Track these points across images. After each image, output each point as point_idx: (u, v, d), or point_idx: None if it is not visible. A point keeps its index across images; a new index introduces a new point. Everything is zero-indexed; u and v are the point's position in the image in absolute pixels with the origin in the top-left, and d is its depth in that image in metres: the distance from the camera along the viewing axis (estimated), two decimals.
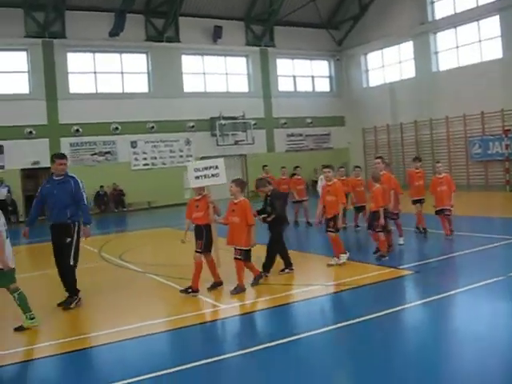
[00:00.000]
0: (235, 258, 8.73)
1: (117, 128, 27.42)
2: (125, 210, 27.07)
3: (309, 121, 32.71)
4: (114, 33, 26.91)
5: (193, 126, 29.14)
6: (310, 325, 7.03)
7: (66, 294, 8.71)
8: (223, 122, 29.11)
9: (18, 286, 7.52)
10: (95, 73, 27.64)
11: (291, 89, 32.83)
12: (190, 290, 8.77)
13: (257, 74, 31.42)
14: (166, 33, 28.74)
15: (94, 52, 27.58)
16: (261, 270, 9.47)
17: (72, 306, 8.53)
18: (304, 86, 33.39)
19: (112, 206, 27.09)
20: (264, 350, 6.18)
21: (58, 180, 8.65)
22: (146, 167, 28.12)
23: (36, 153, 25.65)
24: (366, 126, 32.43)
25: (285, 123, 31.93)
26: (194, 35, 29.44)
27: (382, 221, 10.37)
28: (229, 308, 8.18)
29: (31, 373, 6.35)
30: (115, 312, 8.41)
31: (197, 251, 8.79)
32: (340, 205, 10.09)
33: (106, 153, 27.36)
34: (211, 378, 5.70)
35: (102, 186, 26.70)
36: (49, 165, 25.50)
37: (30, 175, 26.23)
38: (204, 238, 8.73)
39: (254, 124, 30.16)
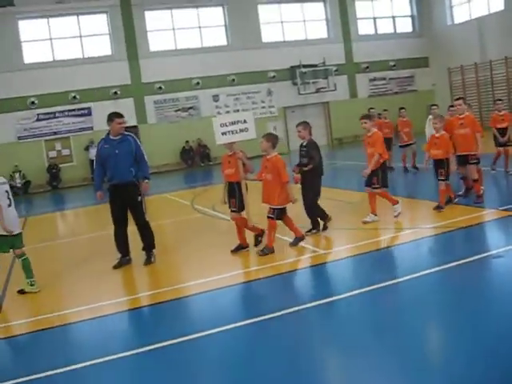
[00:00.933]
0: (268, 217, 8.26)
1: (198, 83, 27.51)
2: (210, 163, 27.22)
3: (391, 63, 31.52)
4: None
5: (273, 76, 28.80)
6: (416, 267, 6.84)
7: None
8: (303, 70, 28.55)
9: (23, 252, 7.71)
10: (174, 29, 27.67)
11: (371, 31, 31.67)
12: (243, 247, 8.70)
13: (335, 19, 30.45)
14: None
15: (170, 9, 27.56)
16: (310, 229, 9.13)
17: (153, 260, 8.65)
18: (385, 27, 32.10)
19: (198, 160, 27.32)
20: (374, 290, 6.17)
21: (118, 140, 8.50)
22: None
23: (122, 112, 25.91)
24: (452, 65, 30.86)
25: (367, 67, 30.94)
26: None
27: (452, 167, 9.67)
28: (332, 252, 8.31)
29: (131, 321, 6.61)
30: (221, 260, 8.49)
31: (232, 210, 8.53)
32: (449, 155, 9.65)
33: (189, 108, 27.57)
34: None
35: (187, 142, 26.98)
36: (135, 123, 26.27)
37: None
38: (237, 196, 8.39)
39: (335, 70, 29.40)
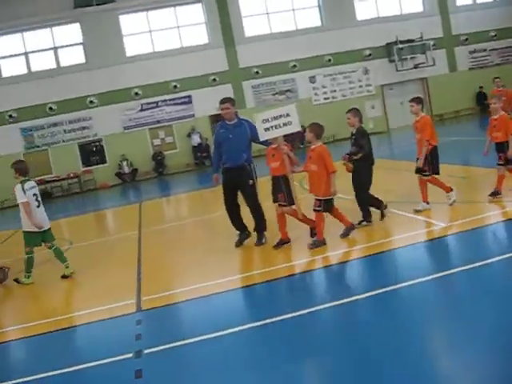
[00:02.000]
0: (314, 210, 8.04)
1: (295, 65, 27.57)
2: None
3: (492, 34, 30.19)
4: None
5: (369, 55, 28.37)
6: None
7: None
8: (400, 46, 27.92)
9: (53, 243, 8.77)
10: (267, 13, 27.82)
11: (469, 1, 30.43)
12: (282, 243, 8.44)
13: None
14: None
15: None
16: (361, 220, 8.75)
17: (264, 241, 8.76)
18: None
19: (297, 142, 27.32)
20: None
21: (233, 124, 8.65)
22: (327, 101, 28.02)
23: (221, 98, 26.55)
24: None
25: (466, 39, 29.82)
26: None
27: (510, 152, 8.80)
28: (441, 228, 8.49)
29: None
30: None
31: (281, 205, 8.21)
32: None
33: (287, 91, 27.69)
34: None
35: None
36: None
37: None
38: (284, 190, 8.10)
39: (433, 45, 28.54)
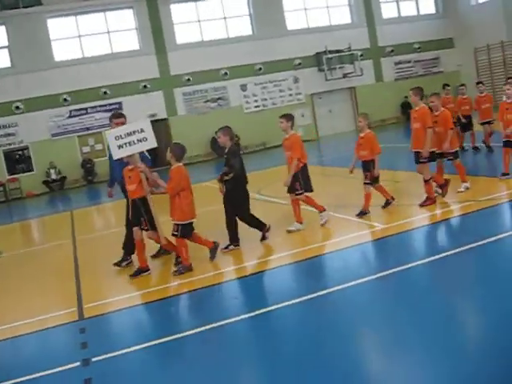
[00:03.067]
0: (172, 235, 7.84)
1: (226, 73, 27.75)
2: (241, 152, 27.39)
3: (416, 46, 31.40)
4: None
5: (299, 64, 28.93)
6: None
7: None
8: (329, 55, 28.61)
9: None
10: (199, 21, 27.90)
11: (395, 14, 31.56)
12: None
13: (358, 3, 30.34)
14: None
15: (195, 1, 27.80)
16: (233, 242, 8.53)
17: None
18: (408, 10, 31.98)
19: None
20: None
21: None
22: (258, 109, 28.35)
23: (152, 106, 26.58)
24: (478, 45, 30.68)
25: (391, 51, 30.90)
26: None
27: None
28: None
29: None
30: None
31: (144, 229, 7.88)
32: None
33: (218, 99, 27.83)
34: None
35: (216, 132, 27.09)
36: (165, 116, 26.55)
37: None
38: (144, 213, 7.73)
39: (361, 55, 29.40)
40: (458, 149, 9.97)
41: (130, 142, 7.55)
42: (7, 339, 6.34)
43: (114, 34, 26.77)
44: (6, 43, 25.38)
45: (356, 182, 10.13)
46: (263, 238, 8.69)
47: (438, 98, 9.64)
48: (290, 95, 28.90)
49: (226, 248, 8.42)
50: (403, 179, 12.34)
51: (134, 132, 7.59)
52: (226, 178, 8.24)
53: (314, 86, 29.10)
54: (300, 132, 27.70)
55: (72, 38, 26.31)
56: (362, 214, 9.16)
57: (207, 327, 5.62)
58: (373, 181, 9.18)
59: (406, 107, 30.08)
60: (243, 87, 28.16)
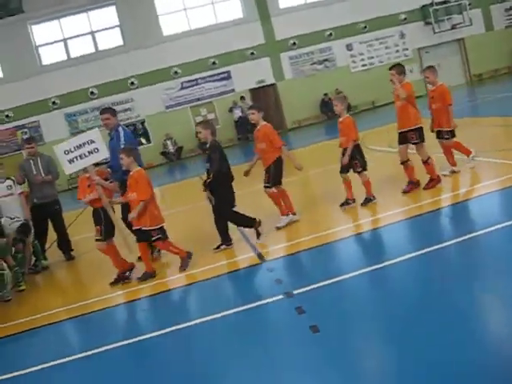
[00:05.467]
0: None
1: (331, 34, 27.50)
2: (351, 112, 27.10)
3: None
4: None
5: (405, 18, 28.15)
6: None
7: None
8: (436, 7, 27.64)
9: None
10: None
11: None
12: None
13: None
14: None
15: None
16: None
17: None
18: None
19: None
20: None
21: (111, 135, 8.32)
22: (365, 67, 27.92)
23: (260, 72, 26.83)
24: None
25: None
26: None
27: None
28: None
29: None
30: None
31: (97, 239, 7.54)
32: None
33: (325, 60, 27.69)
34: None
35: (325, 94, 27.05)
36: (273, 81, 26.77)
37: (257, 93, 27.38)
38: (103, 222, 7.41)
39: (469, 4, 28.20)
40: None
41: (80, 155, 7.26)
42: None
43: (218, 4, 27.09)
44: (118, 22, 26.34)
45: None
46: (258, 235, 7.83)
47: (433, 72, 8.64)
48: (397, 51, 28.25)
49: (218, 248, 7.81)
50: None
51: (83, 144, 7.27)
52: (208, 180, 7.54)
53: (421, 41, 28.28)
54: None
55: (177, 12, 26.89)
56: (366, 202, 8.40)
57: None
58: (364, 167, 8.36)
59: None
60: (349, 47, 27.82)
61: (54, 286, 8.89)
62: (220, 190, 7.57)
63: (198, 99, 26.88)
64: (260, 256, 7.17)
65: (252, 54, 26.83)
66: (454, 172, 8.79)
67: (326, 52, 27.66)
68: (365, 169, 8.37)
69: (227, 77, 26.88)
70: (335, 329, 4.62)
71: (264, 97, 27.05)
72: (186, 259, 7.35)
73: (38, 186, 9.65)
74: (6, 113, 25.84)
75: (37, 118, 26.06)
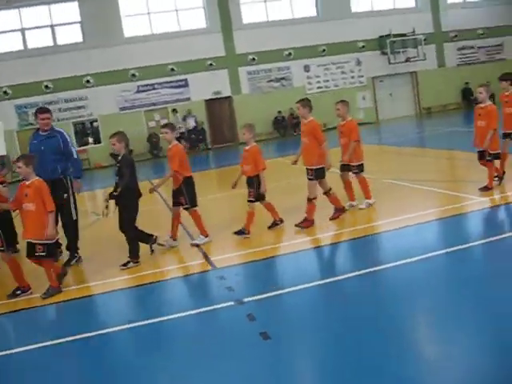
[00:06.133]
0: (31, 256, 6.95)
1: (290, 54, 28.00)
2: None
3: (480, 32, 31.07)
4: None
5: (363, 46, 28.99)
6: None
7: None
8: (393, 39, 28.57)
9: None
10: (265, 1, 28.15)
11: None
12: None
13: None
14: None
15: None
16: (128, 259, 7.71)
17: (72, 263, 8.27)
18: None
19: (290, 129, 27.90)
20: None
21: (45, 135, 8.26)
22: (320, 90, 28.53)
23: (217, 83, 27.09)
24: None
25: (455, 36, 30.62)
26: None
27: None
28: None
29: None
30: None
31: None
32: None
33: (281, 79, 28.18)
34: None
35: (279, 112, 27.55)
36: (229, 94, 27.11)
37: (212, 104, 27.61)
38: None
39: (424, 40, 29.28)
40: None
41: None
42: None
43: (182, 12, 27.23)
44: (79, 19, 26.14)
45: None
46: (152, 251, 8.01)
47: (344, 105, 8.94)
48: (352, 77, 29.05)
49: (125, 265, 7.63)
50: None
51: None
52: (115, 193, 7.50)
53: (376, 69, 29.18)
54: (361, 115, 28.20)
55: (141, 15, 26.90)
56: (274, 225, 8.61)
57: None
58: (258, 198, 8.34)
59: (467, 93, 29.94)
60: (306, 68, 28.41)
61: None
62: (126, 204, 7.60)
63: (153, 104, 26.90)
64: (211, 263, 7.39)
65: (211, 64, 27.07)
66: (370, 205, 9.04)
67: (284, 71, 28.17)
68: (257, 200, 8.33)
69: (184, 84, 27.02)
70: (285, 336, 4.86)
71: (219, 109, 27.35)
72: (55, 289, 6.83)
73: None
74: None
75: None
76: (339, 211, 8.69)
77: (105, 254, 8.58)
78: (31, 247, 6.70)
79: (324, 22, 28.16)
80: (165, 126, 8.42)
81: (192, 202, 8.18)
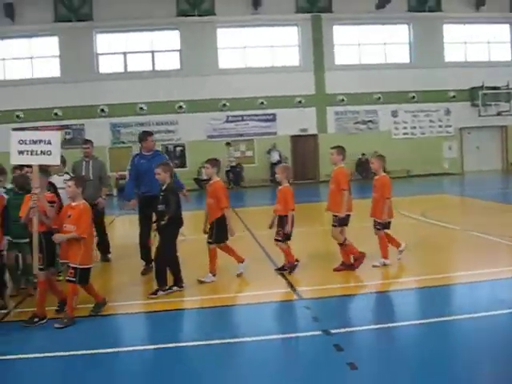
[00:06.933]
0: (67, 280, 6.67)
1: (379, 98, 28.14)
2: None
3: None
4: (380, 5, 27.43)
5: (453, 96, 28.79)
6: None
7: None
8: (485, 91, 28.24)
9: None
10: (359, 45, 28.55)
11: None
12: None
13: None
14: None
15: (358, 25, 28.46)
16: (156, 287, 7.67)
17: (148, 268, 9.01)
18: None
19: (372, 172, 27.79)
20: None
21: (151, 155, 9.22)
22: (406, 136, 28.49)
23: (304, 121, 27.52)
24: None
25: None
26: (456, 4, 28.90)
27: None
28: None
29: None
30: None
31: (40, 269, 6.65)
32: None
33: (368, 121, 28.32)
34: None
35: (363, 154, 27.61)
36: (315, 132, 27.41)
37: (297, 141, 28.01)
38: (45, 249, 6.68)
39: None
40: None
41: (32, 151, 6.69)
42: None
43: (276, 48, 27.99)
44: (179, 47, 27.31)
45: None
46: (169, 287, 7.75)
47: (378, 160, 9.05)
48: (440, 126, 28.88)
49: (170, 289, 7.67)
50: None
51: (40, 141, 6.72)
52: (163, 222, 7.52)
53: (464, 120, 28.85)
54: (447, 164, 27.97)
55: (236, 49, 27.82)
56: (283, 269, 8.61)
57: None
58: (284, 238, 8.48)
59: None
60: (394, 113, 28.46)
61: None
62: (170, 232, 7.65)
63: (241, 135, 27.58)
64: (297, 293, 7.53)
65: (300, 102, 27.56)
66: (384, 264, 8.71)
67: (372, 114, 28.34)
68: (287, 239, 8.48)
69: (272, 119, 27.61)
70: (373, 368, 4.97)
71: (303, 145, 27.75)
72: (70, 318, 6.55)
73: (86, 187, 9.77)
74: (56, 111, 26.70)
75: (83, 122, 26.90)
76: (346, 266, 8.58)
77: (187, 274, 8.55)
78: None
79: (416, 69, 28.21)
80: (207, 161, 8.46)
81: (217, 239, 8.24)
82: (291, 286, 7.88)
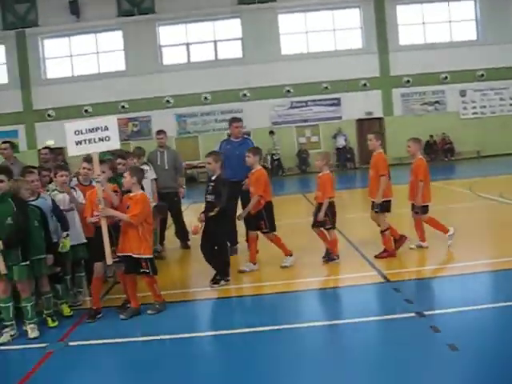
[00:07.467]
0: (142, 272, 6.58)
1: (446, 77, 27.46)
2: (453, 158, 27.09)
3: None
4: None
5: None
6: None
7: None
8: None
9: None
10: (424, 23, 27.90)
11: None
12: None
13: None
14: None
15: (422, 3, 27.83)
16: (218, 277, 7.54)
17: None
18: None
19: (441, 154, 27.30)
20: None
21: (239, 142, 9.24)
22: (475, 116, 27.72)
23: (369, 104, 27.12)
24: None
25: None
26: None
27: None
28: None
29: None
30: None
31: (116, 261, 6.60)
32: None
33: (435, 102, 27.70)
34: None
35: (431, 136, 27.07)
36: (381, 115, 26.94)
37: (363, 124, 27.67)
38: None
39: None
40: None
41: (89, 140, 6.63)
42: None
43: (339, 31, 27.65)
44: (240, 35, 27.33)
45: None
46: (216, 280, 7.55)
47: (414, 143, 8.66)
48: (511, 105, 27.90)
49: (215, 283, 7.52)
50: None
51: (96, 129, 6.66)
52: (212, 213, 7.37)
53: None
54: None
55: (298, 34, 27.64)
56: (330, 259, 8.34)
57: None
58: (318, 224, 8.27)
59: None
60: (462, 92, 27.72)
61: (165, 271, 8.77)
62: (223, 223, 7.58)
63: (305, 120, 27.47)
64: (383, 276, 7.43)
65: (364, 85, 27.20)
66: (420, 247, 8.59)
67: (439, 94, 27.67)
68: (334, 227, 8.33)
69: (337, 103, 27.36)
70: (474, 348, 4.89)
71: (368, 129, 27.23)
72: (162, 303, 6.66)
73: (161, 177, 9.91)
74: (123, 104, 27.20)
75: (149, 114, 27.39)
76: (388, 253, 8.34)
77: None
78: (133, 263, 6.46)
79: (484, 46, 27.33)
80: (248, 150, 8.25)
81: (272, 227, 8.15)
82: (376, 268, 7.80)
